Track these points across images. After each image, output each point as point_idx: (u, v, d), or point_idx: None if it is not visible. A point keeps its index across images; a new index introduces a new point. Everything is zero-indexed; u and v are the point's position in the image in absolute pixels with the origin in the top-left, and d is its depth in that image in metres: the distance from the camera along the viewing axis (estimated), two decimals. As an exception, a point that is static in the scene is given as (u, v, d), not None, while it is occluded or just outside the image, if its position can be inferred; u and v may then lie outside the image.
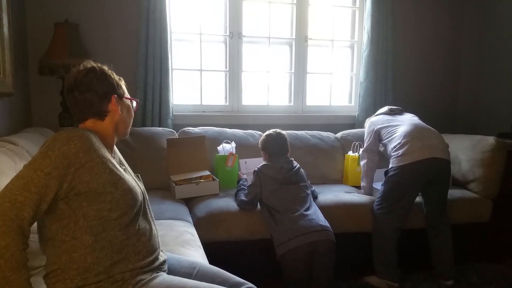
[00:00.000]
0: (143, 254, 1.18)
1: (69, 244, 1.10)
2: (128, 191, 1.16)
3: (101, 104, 1.22)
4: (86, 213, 1.10)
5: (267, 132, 2.42)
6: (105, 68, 1.28)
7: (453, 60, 3.79)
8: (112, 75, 1.27)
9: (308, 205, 2.17)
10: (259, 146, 2.44)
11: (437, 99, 3.75)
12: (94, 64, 1.26)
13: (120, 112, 1.26)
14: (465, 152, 2.80)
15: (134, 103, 1.35)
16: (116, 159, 1.30)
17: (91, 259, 1.10)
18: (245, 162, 2.75)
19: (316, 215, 2.12)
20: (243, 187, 2.38)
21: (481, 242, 2.74)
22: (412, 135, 2.33)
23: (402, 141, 2.33)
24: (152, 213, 1.31)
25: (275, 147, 2.36)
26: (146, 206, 1.28)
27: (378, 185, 2.63)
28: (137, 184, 1.27)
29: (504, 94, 3.31)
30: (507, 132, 3.04)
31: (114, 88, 1.26)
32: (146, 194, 1.31)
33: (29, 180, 1.03)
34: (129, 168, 1.34)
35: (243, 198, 2.26)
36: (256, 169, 2.29)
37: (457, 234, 2.46)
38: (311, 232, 2.02)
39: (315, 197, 2.43)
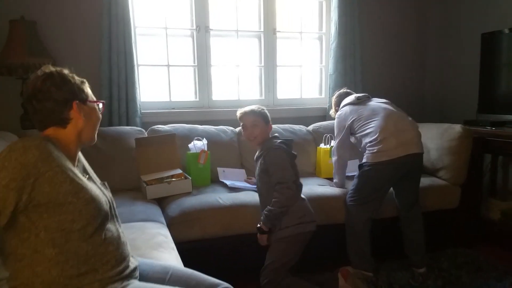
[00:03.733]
0: (112, 264, 1.13)
1: (31, 258, 1.04)
2: (91, 200, 1.11)
3: (62, 112, 1.16)
4: (47, 225, 1.05)
5: (261, 109, 2.15)
6: (65, 72, 1.20)
7: (420, 51, 3.87)
8: (72, 80, 1.19)
9: None
10: (264, 119, 2.09)
11: (405, 89, 3.81)
12: (52, 69, 1.18)
13: (83, 119, 1.19)
14: (434, 140, 2.86)
15: (100, 105, 1.28)
16: (80, 167, 1.23)
17: (56, 272, 1.04)
18: (223, 171, 2.70)
19: None
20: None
21: (451, 228, 2.81)
22: (388, 130, 2.29)
23: (378, 137, 2.28)
24: (119, 220, 1.25)
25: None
26: (113, 214, 1.23)
27: (351, 174, 2.67)
28: (103, 192, 1.21)
29: (469, 83, 3.41)
30: (473, 119, 3.13)
31: (75, 94, 1.18)
32: (114, 202, 1.25)
33: None
34: (94, 176, 1.28)
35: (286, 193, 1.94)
36: (271, 147, 1.99)
37: (427, 221, 2.50)
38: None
39: None
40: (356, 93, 2.69)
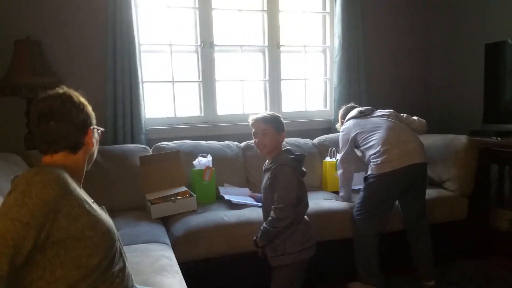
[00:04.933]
0: None
1: None
2: (107, 232, 1.09)
3: (78, 136, 1.14)
4: (64, 262, 1.01)
5: (274, 113, 2.05)
6: (80, 96, 1.18)
7: (424, 62, 3.85)
8: (87, 105, 1.19)
9: None
10: (277, 128, 1.97)
11: (410, 100, 3.79)
12: (69, 91, 1.16)
13: (94, 145, 1.19)
14: (439, 152, 2.84)
15: (100, 132, 1.28)
16: (83, 192, 1.21)
17: None
18: (225, 188, 2.69)
19: None
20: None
21: (459, 240, 2.77)
22: (390, 142, 2.33)
23: (381, 149, 2.32)
24: (123, 248, 1.23)
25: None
26: (120, 241, 1.21)
27: (357, 187, 2.66)
28: (109, 219, 1.19)
29: (474, 93, 3.38)
30: (479, 129, 3.10)
31: (90, 119, 1.18)
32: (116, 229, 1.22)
33: (5, 233, 0.92)
34: (94, 203, 1.25)
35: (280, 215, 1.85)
36: (282, 163, 1.89)
37: (435, 233, 2.48)
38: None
39: None
40: (361, 105, 2.75)
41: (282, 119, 2.02)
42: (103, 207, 1.25)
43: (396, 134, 2.37)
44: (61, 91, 1.15)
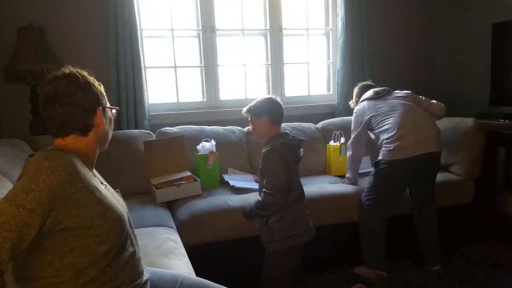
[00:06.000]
0: (127, 283, 1.09)
1: (52, 281, 1.00)
2: (118, 220, 1.07)
3: (86, 117, 1.10)
4: (72, 249, 0.99)
5: (267, 98, 1.97)
6: (87, 75, 1.14)
7: (429, 44, 3.80)
8: (95, 84, 1.14)
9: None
10: (255, 113, 1.94)
11: (415, 83, 3.73)
12: (75, 71, 1.11)
13: (105, 125, 1.15)
14: (446, 135, 2.79)
15: (114, 111, 1.23)
16: (97, 178, 1.19)
17: None
18: (234, 172, 2.68)
19: None
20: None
21: (466, 224, 2.76)
22: (406, 127, 2.23)
23: (396, 134, 2.22)
24: (134, 232, 1.20)
25: (281, 114, 1.94)
26: (132, 226, 1.19)
27: (363, 171, 2.65)
28: (121, 204, 1.16)
29: (480, 75, 3.34)
30: (485, 112, 3.06)
31: (99, 99, 1.13)
32: (129, 213, 1.20)
33: (9, 218, 0.90)
34: (108, 185, 1.23)
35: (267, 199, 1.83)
36: (269, 148, 1.86)
37: (441, 217, 2.46)
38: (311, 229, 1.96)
39: None
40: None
41: (261, 102, 1.94)
42: (118, 190, 1.23)
43: (412, 119, 2.26)
44: (67, 71, 1.11)
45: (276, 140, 1.90)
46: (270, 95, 2.02)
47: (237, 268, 2.20)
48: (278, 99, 1.98)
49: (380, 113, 2.37)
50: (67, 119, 1.08)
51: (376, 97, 2.47)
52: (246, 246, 2.22)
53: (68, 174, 0.98)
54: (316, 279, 2.32)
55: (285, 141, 1.89)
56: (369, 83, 2.72)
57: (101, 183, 1.18)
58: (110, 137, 1.22)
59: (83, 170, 1.05)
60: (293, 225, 1.88)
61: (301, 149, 2.00)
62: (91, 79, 1.14)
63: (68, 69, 1.12)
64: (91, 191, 1.02)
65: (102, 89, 1.17)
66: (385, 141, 2.28)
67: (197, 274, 1.45)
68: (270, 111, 1.92)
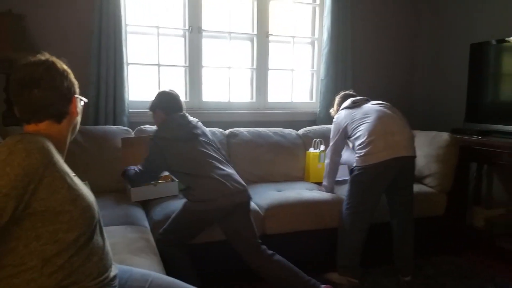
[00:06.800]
0: (94, 276, 1.06)
1: (14, 269, 0.95)
2: (88, 208, 1.05)
3: (63, 104, 1.10)
4: (40, 235, 0.96)
5: (159, 91, 2.24)
6: (64, 64, 1.15)
7: (410, 59, 3.90)
8: (70, 72, 1.15)
9: (224, 161, 2.12)
10: (150, 108, 2.22)
11: (394, 96, 3.81)
12: (52, 58, 1.11)
13: (79, 113, 1.16)
14: (421, 148, 2.87)
15: (82, 104, 1.23)
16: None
17: (35, 286, 0.96)
18: None
19: (235, 173, 2.09)
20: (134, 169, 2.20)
21: (437, 236, 2.82)
22: (376, 132, 2.26)
23: (366, 140, 2.26)
24: (102, 226, 1.19)
25: (173, 103, 2.17)
26: (100, 220, 1.17)
27: (340, 179, 2.68)
28: (90, 194, 1.14)
29: (457, 92, 3.44)
30: (460, 128, 3.15)
31: (75, 88, 1.14)
32: (98, 207, 1.18)
33: None
34: (77, 177, 1.19)
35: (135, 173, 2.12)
36: (150, 137, 2.09)
37: (414, 228, 2.51)
38: (239, 192, 1.99)
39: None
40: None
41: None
42: (86, 182, 1.21)
43: (383, 125, 2.29)
44: (43, 57, 1.11)
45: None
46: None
47: (213, 268, 2.19)
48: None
49: (355, 120, 2.41)
50: (44, 104, 1.07)
51: (353, 105, 2.51)
52: (221, 249, 2.21)
53: (43, 157, 0.96)
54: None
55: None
56: (350, 92, 2.77)
57: (70, 173, 1.15)
58: (78, 128, 1.23)
59: (57, 155, 1.03)
60: (199, 191, 1.95)
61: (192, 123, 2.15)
62: (66, 67, 1.15)
63: (45, 56, 1.11)
64: (63, 176, 1.00)
65: (74, 78, 1.19)
66: (358, 147, 2.31)
67: (168, 274, 1.43)
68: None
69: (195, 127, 2.14)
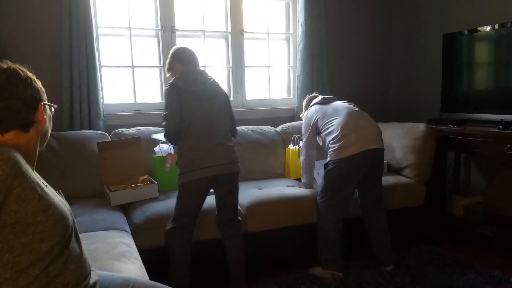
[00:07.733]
0: (72, 284, 1.04)
1: None
2: (60, 218, 1.01)
3: (28, 113, 1.05)
4: (12, 247, 0.93)
5: (173, 47, 2.25)
6: (27, 70, 1.10)
7: (384, 52, 3.94)
8: (35, 79, 1.11)
9: (225, 130, 2.14)
10: (168, 61, 2.21)
11: (371, 89, 3.88)
12: (14, 66, 1.07)
13: (47, 122, 1.12)
14: (398, 139, 2.92)
15: (53, 109, 1.19)
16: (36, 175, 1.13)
17: None
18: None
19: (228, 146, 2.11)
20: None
21: (417, 225, 2.87)
22: (348, 127, 2.34)
23: (339, 134, 2.33)
24: (78, 234, 1.15)
25: (189, 55, 2.17)
26: (76, 227, 1.13)
27: (320, 176, 2.68)
28: (63, 203, 1.11)
29: (432, 82, 3.50)
30: (436, 118, 3.21)
31: (40, 95, 1.10)
32: (73, 214, 1.15)
33: None
34: (49, 186, 1.16)
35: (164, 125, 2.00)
36: (167, 85, 2.06)
37: (393, 219, 2.55)
38: (225, 164, 2.02)
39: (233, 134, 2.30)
40: (324, 93, 2.75)
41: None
42: (60, 191, 1.17)
43: (354, 120, 2.38)
44: (5, 66, 1.06)
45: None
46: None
47: (194, 272, 2.16)
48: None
49: (326, 115, 2.49)
50: (7, 114, 1.03)
51: (324, 102, 2.61)
52: (203, 251, 2.20)
53: (11, 168, 0.93)
54: (273, 281, 2.32)
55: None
56: (316, 94, 2.84)
57: (42, 183, 1.12)
58: (49, 136, 1.18)
59: (25, 165, 0.99)
60: (188, 160, 1.98)
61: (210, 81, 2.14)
62: (31, 74, 1.10)
63: (6, 64, 1.07)
64: (33, 186, 0.97)
65: (41, 85, 1.14)
66: (331, 142, 2.37)
67: (151, 278, 1.41)
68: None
69: (212, 86, 2.13)
